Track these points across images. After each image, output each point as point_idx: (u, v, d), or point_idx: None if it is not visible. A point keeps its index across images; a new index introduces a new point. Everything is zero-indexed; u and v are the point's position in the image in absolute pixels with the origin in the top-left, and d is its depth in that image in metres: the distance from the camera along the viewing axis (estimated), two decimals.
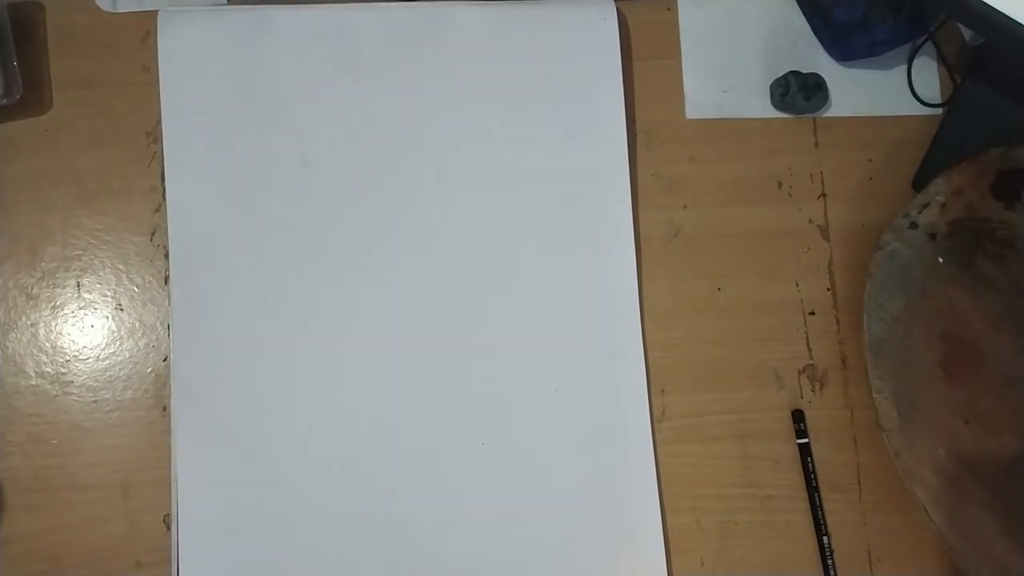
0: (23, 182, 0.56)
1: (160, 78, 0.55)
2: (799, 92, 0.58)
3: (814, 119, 0.61)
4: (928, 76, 0.62)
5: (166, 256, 0.55)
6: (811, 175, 0.60)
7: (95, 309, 0.55)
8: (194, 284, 0.54)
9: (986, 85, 0.60)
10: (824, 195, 0.60)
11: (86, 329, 0.55)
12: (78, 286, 0.55)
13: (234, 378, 0.54)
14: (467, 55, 0.57)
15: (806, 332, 0.58)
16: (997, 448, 0.53)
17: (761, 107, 0.60)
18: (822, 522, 0.55)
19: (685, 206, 0.59)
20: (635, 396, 0.56)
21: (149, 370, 0.55)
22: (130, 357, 0.55)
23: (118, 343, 0.55)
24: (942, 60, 0.62)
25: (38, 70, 0.57)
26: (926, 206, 0.56)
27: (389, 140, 0.56)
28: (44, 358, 0.55)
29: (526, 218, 0.56)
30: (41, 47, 0.57)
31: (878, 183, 0.60)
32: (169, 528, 0.53)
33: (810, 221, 0.60)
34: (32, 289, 0.55)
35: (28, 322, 0.55)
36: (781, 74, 0.60)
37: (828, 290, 0.59)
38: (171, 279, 0.54)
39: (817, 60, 0.61)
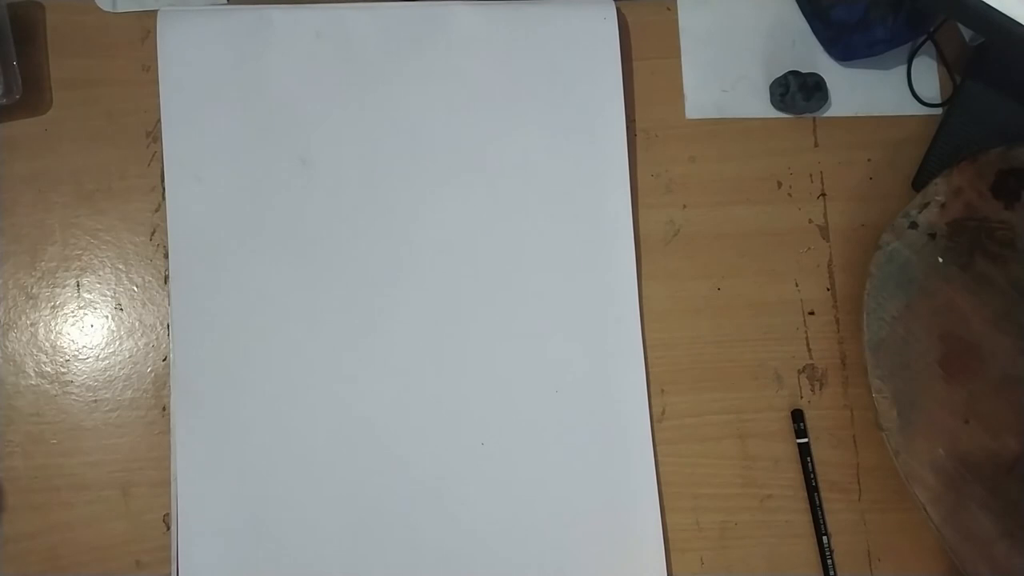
0: (23, 182, 0.56)
1: (160, 78, 0.55)
2: (799, 92, 0.58)
3: (814, 119, 0.61)
4: (928, 76, 0.62)
5: (166, 256, 0.55)
6: (811, 175, 0.60)
7: (95, 309, 0.55)
8: (194, 284, 0.54)
9: (986, 85, 0.60)
10: (824, 195, 0.60)
11: (86, 329, 0.55)
12: (78, 286, 0.55)
13: (234, 378, 0.54)
14: (467, 55, 0.57)
15: (806, 332, 0.58)
16: (997, 448, 0.53)
17: (761, 107, 0.60)
18: (822, 522, 0.55)
19: (685, 206, 0.59)
20: (635, 396, 0.56)
21: (149, 370, 0.55)
22: (130, 357, 0.55)
23: (118, 343, 0.55)
24: (942, 60, 0.62)
25: (38, 70, 0.57)
26: (926, 206, 0.56)
27: (388, 140, 0.56)
28: (44, 358, 0.55)
29: (525, 217, 0.56)
30: (41, 47, 0.57)
31: (878, 183, 0.60)
32: (169, 528, 0.53)
33: (810, 221, 0.60)
34: (32, 289, 0.55)
35: (28, 322, 0.55)
36: (781, 74, 0.60)
37: (828, 290, 0.59)
38: (171, 279, 0.54)
39: (817, 60, 0.61)
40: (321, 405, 0.54)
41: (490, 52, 0.57)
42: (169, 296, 0.54)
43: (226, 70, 0.56)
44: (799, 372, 0.58)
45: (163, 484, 0.53)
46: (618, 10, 0.58)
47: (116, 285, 0.56)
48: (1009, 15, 0.48)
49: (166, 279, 0.55)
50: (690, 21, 0.61)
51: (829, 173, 0.60)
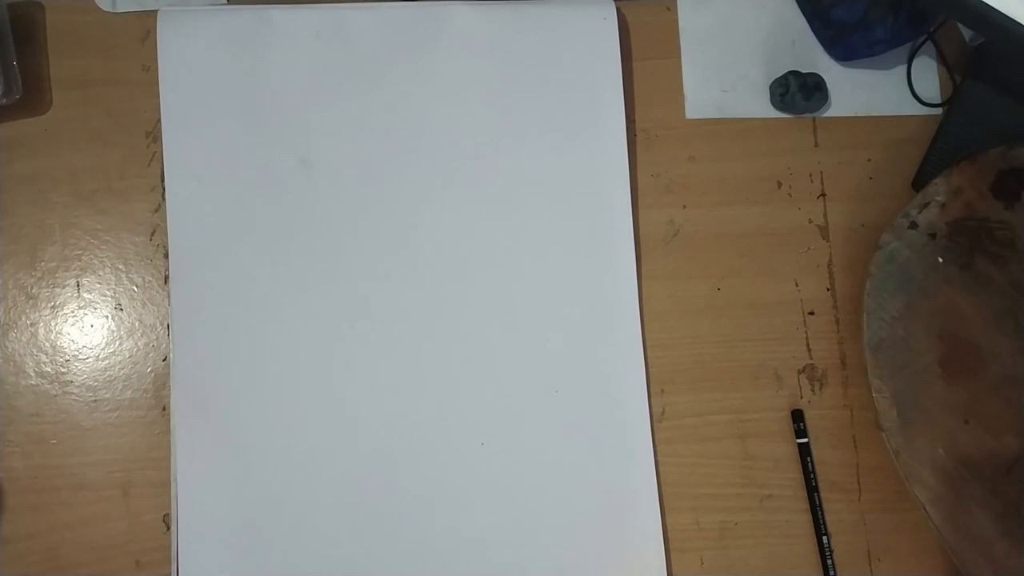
0: (23, 182, 0.56)
1: (160, 78, 0.55)
2: (798, 92, 0.58)
3: (814, 119, 0.61)
4: (928, 76, 0.62)
5: (166, 256, 0.55)
6: (811, 175, 0.60)
7: (95, 309, 0.55)
8: (194, 284, 0.54)
9: (986, 85, 0.60)
10: (824, 195, 0.60)
11: (86, 329, 0.55)
12: (78, 286, 0.55)
13: (234, 378, 0.54)
14: (467, 55, 0.57)
15: (806, 332, 0.58)
16: (997, 448, 0.53)
17: (761, 107, 0.60)
18: (822, 522, 0.55)
19: (685, 206, 0.59)
20: (635, 396, 0.56)
21: (149, 370, 0.55)
22: (130, 357, 0.55)
23: (118, 343, 0.55)
24: (942, 60, 0.62)
25: (38, 70, 0.57)
26: (926, 206, 0.56)
27: (388, 140, 0.56)
28: (44, 358, 0.55)
29: (525, 218, 0.56)
30: (41, 47, 0.57)
31: (878, 183, 0.60)
32: (169, 528, 0.53)
33: (810, 221, 0.60)
34: (32, 289, 0.55)
35: (28, 322, 0.55)
36: (781, 74, 0.60)
37: (828, 290, 0.59)
38: (171, 279, 0.54)
39: (817, 60, 0.61)
40: (321, 405, 0.54)
41: (490, 52, 0.57)
42: (169, 296, 0.54)
43: (226, 70, 0.56)
44: (799, 372, 0.58)
45: (163, 484, 0.53)
46: (618, 10, 0.58)
47: (116, 285, 0.56)
48: (1009, 15, 0.48)
49: (166, 279, 0.55)
50: (690, 21, 0.61)
51: (829, 173, 0.60)
